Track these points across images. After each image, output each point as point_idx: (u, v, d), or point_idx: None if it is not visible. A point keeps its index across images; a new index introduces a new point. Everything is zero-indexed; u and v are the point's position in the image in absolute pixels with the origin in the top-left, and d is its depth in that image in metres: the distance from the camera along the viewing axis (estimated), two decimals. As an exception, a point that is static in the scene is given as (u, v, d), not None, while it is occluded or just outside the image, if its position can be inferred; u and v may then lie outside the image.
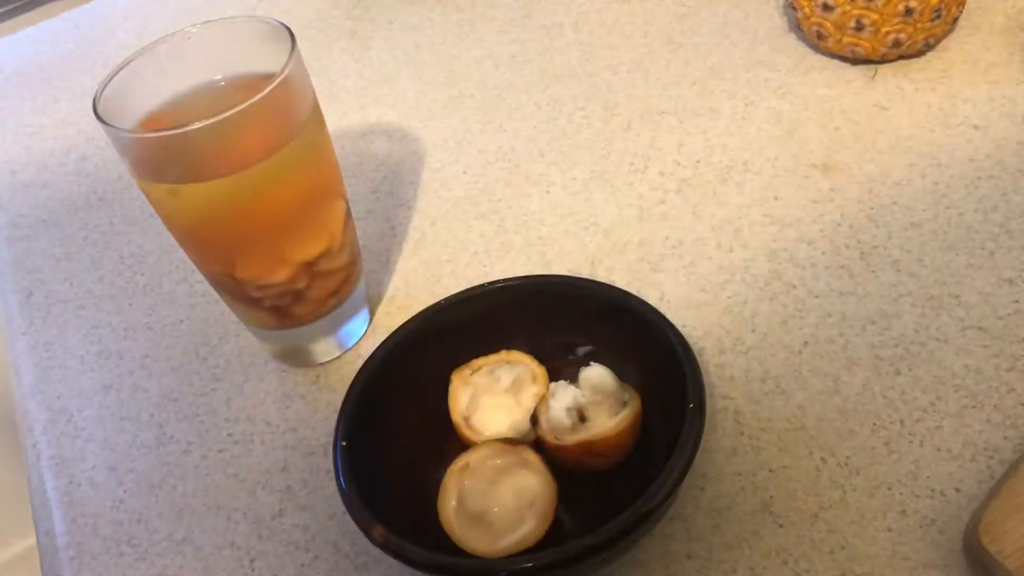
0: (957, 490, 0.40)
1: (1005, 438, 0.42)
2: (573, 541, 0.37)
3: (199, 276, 0.62)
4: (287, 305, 0.50)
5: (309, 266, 0.48)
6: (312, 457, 0.49)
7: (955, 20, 0.62)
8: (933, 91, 0.61)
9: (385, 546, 0.39)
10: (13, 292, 0.65)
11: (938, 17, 0.60)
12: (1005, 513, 0.37)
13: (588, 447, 0.42)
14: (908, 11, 0.59)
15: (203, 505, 0.48)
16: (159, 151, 0.44)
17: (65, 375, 0.58)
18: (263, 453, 0.50)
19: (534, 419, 0.44)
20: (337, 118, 0.73)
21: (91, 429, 0.54)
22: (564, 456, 0.43)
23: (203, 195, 0.45)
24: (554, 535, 0.41)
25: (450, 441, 0.46)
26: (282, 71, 0.44)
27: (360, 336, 0.55)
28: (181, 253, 0.65)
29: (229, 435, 0.52)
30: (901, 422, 0.43)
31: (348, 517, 0.41)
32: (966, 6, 0.63)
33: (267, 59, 0.46)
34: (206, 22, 0.49)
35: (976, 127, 0.57)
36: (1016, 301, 0.47)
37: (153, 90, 0.48)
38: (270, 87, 0.43)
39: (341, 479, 0.42)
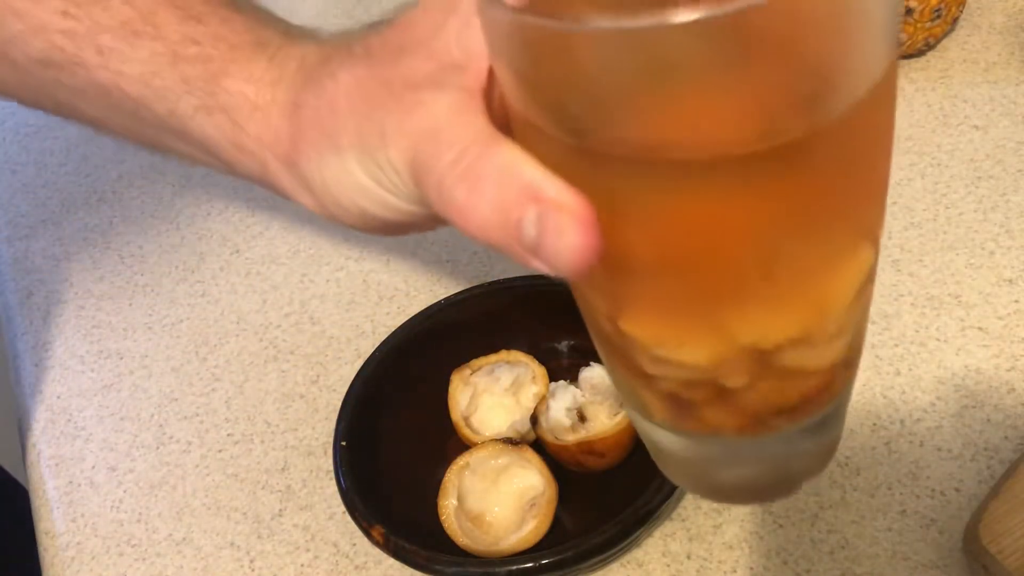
0: (957, 490, 0.40)
1: (1005, 438, 0.42)
2: (573, 541, 0.37)
3: (198, 276, 0.62)
4: (695, 402, 0.27)
5: (762, 355, 0.25)
6: (312, 457, 0.49)
7: (955, 20, 0.62)
8: (933, 91, 0.61)
9: (385, 546, 0.39)
10: (13, 292, 0.65)
11: (938, 17, 0.60)
12: (1005, 513, 0.37)
13: (588, 447, 0.42)
14: (908, 11, 0.59)
15: (203, 505, 0.48)
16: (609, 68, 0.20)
17: (65, 375, 0.58)
18: (263, 453, 0.50)
19: (534, 419, 0.44)
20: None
21: (91, 429, 0.54)
22: (564, 456, 0.43)
23: (636, 183, 0.22)
24: (554, 535, 0.41)
25: (450, 441, 0.46)
26: None
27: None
28: (181, 253, 0.65)
29: (229, 435, 0.52)
30: (901, 422, 0.43)
31: (348, 517, 0.41)
32: (966, 6, 0.63)
33: None
34: None
35: (976, 127, 0.57)
36: (1016, 301, 0.47)
37: None
38: None
39: (341, 479, 0.42)
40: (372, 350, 0.47)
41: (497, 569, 0.38)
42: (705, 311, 0.24)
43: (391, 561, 0.42)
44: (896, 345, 0.47)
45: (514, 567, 0.37)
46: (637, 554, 0.41)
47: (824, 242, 0.23)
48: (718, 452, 0.29)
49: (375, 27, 0.29)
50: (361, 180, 0.28)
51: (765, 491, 0.31)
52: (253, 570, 0.45)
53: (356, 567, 0.44)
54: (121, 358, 0.58)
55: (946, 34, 0.64)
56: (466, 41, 0.25)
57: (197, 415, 0.53)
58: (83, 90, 0.33)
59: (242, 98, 0.30)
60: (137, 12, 0.31)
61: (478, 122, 0.24)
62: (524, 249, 0.23)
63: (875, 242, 0.26)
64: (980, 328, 0.46)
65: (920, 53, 0.63)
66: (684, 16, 0.18)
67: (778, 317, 0.24)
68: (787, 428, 0.27)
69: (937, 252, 0.51)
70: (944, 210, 0.53)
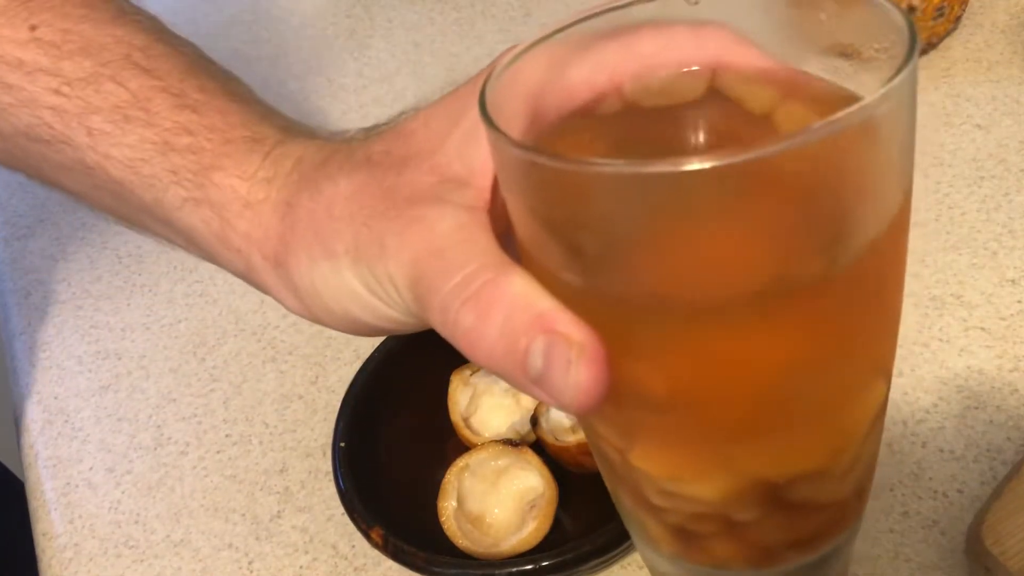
0: (960, 491, 0.40)
1: (1008, 439, 0.42)
2: (573, 543, 0.37)
3: (196, 276, 0.62)
4: (704, 535, 0.26)
5: (775, 489, 0.25)
6: (311, 458, 0.49)
7: (958, 18, 0.62)
8: (936, 90, 0.60)
9: (384, 548, 0.39)
10: (10, 292, 0.65)
11: (941, 15, 0.59)
12: (1008, 514, 0.37)
13: (588, 448, 0.42)
14: (911, 9, 0.59)
15: (201, 506, 0.48)
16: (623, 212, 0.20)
17: (62, 375, 0.58)
18: (261, 454, 0.50)
19: (534, 420, 0.44)
20: (337, 118, 0.72)
21: (88, 430, 0.54)
22: (564, 457, 0.43)
23: (653, 324, 0.22)
24: (554, 536, 0.41)
25: (450, 442, 0.46)
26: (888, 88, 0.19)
27: None
28: (179, 253, 0.65)
29: (227, 436, 0.51)
30: (903, 423, 0.43)
31: (347, 518, 0.41)
32: (969, 4, 0.63)
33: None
34: None
35: (979, 126, 0.57)
36: (1019, 301, 0.47)
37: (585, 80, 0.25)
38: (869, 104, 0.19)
39: (340, 480, 0.42)
40: (371, 350, 0.46)
41: (497, 571, 0.38)
42: (718, 447, 0.23)
43: (390, 563, 0.42)
44: (899, 346, 0.46)
45: (514, 569, 0.37)
46: (637, 556, 0.41)
47: (839, 379, 0.23)
48: None
49: (375, 130, 0.29)
50: (355, 288, 0.27)
51: None
52: (251, 572, 0.45)
53: (355, 569, 0.44)
54: (119, 358, 0.58)
55: (949, 33, 0.63)
56: (469, 156, 0.25)
57: (195, 416, 0.53)
58: (69, 168, 0.32)
59: (232, 194, 0.29)
60: (131, 96, 0.31)
61: (483, 242, 0.24)
62: (529, 380, 0.22)
63: (888, 375, 0.26)
64: (983, 329, 0.46)
65: (923, 52, 0.63)
66: (698, 163, 0.18)
67: (793, 453, 0.24)
68: (797, 561, 0.27)
69: (940, 252, 0.50)
70: (947, 210, 0.53)
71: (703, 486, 0.24)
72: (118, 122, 0.31)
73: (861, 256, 0.21)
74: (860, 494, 0.27)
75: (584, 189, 0.20)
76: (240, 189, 0.29)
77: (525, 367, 0.22)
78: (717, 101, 0.24)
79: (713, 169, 0.18)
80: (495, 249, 0.23)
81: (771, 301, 0.20)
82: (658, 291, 0.21)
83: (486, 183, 0.25)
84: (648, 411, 0.23)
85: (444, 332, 0.24)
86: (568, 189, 0.20)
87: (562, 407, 0.22)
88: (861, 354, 0.24)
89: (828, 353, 0.22)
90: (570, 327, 0.21)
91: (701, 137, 0.24)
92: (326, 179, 0.28)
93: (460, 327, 0.23)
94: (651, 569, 0.31)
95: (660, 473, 0.25)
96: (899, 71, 0.19)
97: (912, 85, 0.20)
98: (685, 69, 0.25)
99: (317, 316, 0.29)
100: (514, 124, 0.22)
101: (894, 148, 0.21)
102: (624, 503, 0.28)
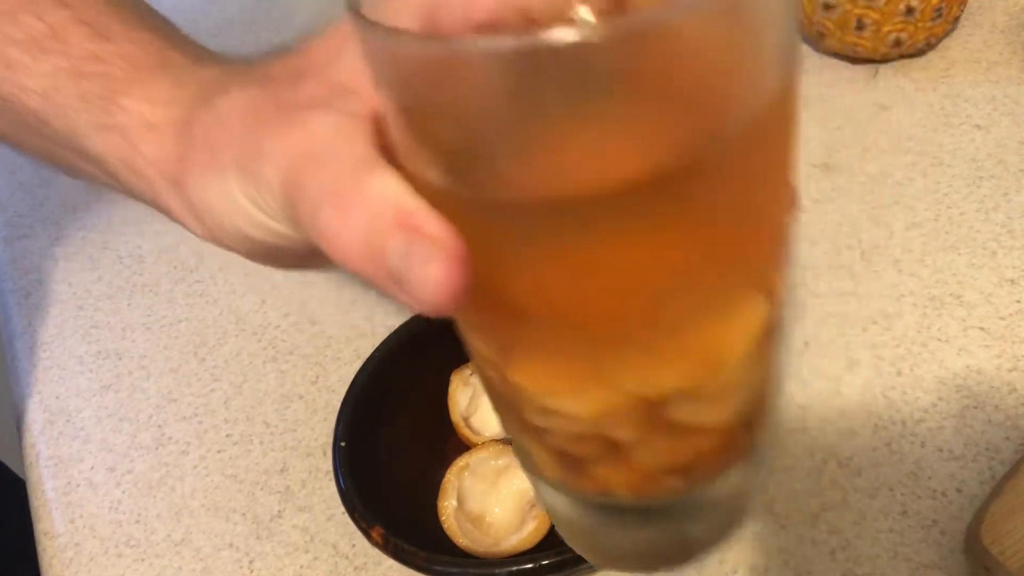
0: (958, 491, 0.40)
1: (1007, 438, 0.42)
2: (573, 542, 0.37)
3: (197, 276, 0.62)
4: (586, 458, 0.26)
5: (651, 407, 0.24)
6: (311, 458, 0.49)
7: (956, 19, 0.62)
8: (934, 90, 0.60)
9: (384, 547, 0.39)
10: (11, 292, 0.65)
11: (939, 16, 0.60)
12: (1007, 514, 0.37)
13: (588, 448, 0.42)
14: (909, 10, 0.59)
15: (202, 506, 0.48)
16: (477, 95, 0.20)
17: (63, 375, 0.58)
18: (262, 454, 0.50)
19: (534, 419, 0.44)
20: (336, 117, 0.72)
21: (89, 429, 0.54)
22: (564, 457, 0.43)
23: (515, 221, 0.21)
24: (554, 536, 0.41)
25: (450, 441, 0.46)
26: None
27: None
28: (180, 252, 0.65)
29: (228, 436, 0.52)
30: (903, 422, 0.43)
31: (347, 518, 0.41)
32: (967, 5, 0.63)
33: None
34: None
35: (978, 126, 0.57)
36: (1018, 301, 0.47)
37: None
38: None
39: (340, 480, 0.42)
40: (372, 350, 0.47)
41: (497, 570, 0.38)
42: (588, 358, 0.23)
43: (391, 562, 0.42)
44: (897, 345, 0.46)
45: (514, 568, 0.37)
46: (637, 555, 0.41)
47: (709, 288, 0.22)
48: (610, 515, 0.27)
49: (280, 53, 0.29)
50: (239, 200, 0.26)
51: (659, 559, 0.29)
52: (252, 571, 0.45)
53: (355, 568, 0.44)
54: (120, 358, 0.58)
55: (947, 33, 0.63)
56: (360, 67, 0.24)
57: (196, 416, 0.53)
58: None
59: (139, 118, 0.29)
60: (47, 27, 0.31)
61: (359, 147, 0.23)
62: (390, 279, 0.21)
63: (772, 296, 0.24)
64: (982, 328, 0.46)
65: (921, 52, 0.63)
66: (557, 37, 0.17)
67: (663, 367, 0.23)
68: (683, 490, 0.26)
69: (939, 252, 0.50)
70: (946, 210, 0.53)
71: (578, 401, 0.24)
72: (34, 52, 0.31)
73: (733, 146, 0.20)
74: (748, 425, 0.26)
75: (443, 73, 0.19)
76: (145, 112, 0.29)
77: (385, 266, 0.21)
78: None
79: (570, 47, 0.17)
80: (370, 153, 0.23)
81: (635, 198, 0.20)
82: (519, 186, 0.20)
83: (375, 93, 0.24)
84: (518, 320, 0.23)
85: (312, 236, 0.23)
86: (428, 75, 0.20)
87: (422, 308, 0.21)
88: (734, 263, 0.23)
89: (696, 256, 0.22)
90: (431, 224, 0.21)
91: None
92: (222, 94, 0.27)
93: (322, 226, 0.22)
94: (541, 502, 0.30)
95: (535, 388, 0.24)
96: None
97: None
98: None
99: (217, 237, 0.28)
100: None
101: (765, 28, 0.20)
102: (510, 429, 0.28)
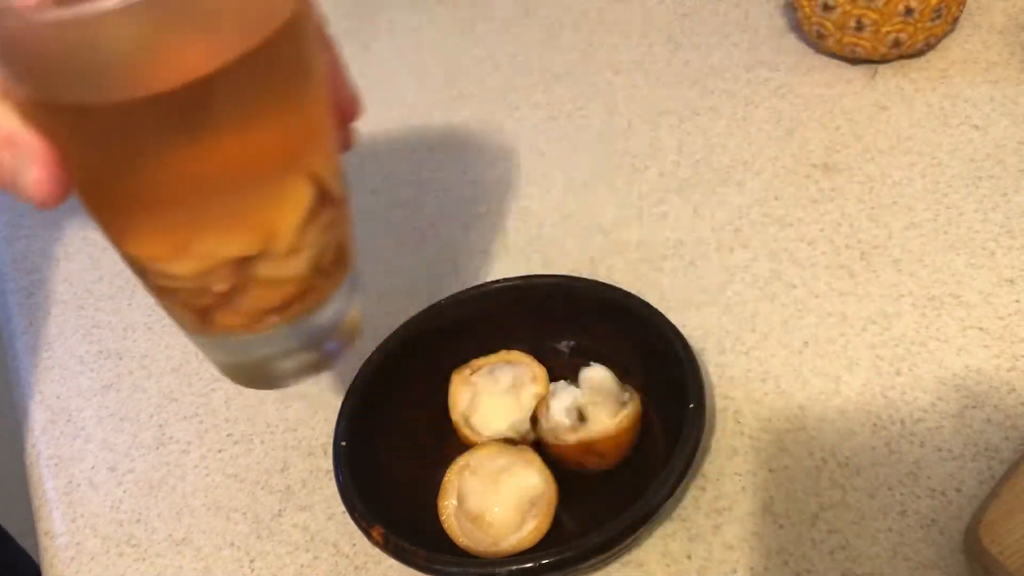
0: (958, 490, 0.40)
1: (1006, 438, 0.42)
2: (573, 541, 0.37)
3: (199, 276, 0.62)
4: (206, 308, 0.34)
5: (238, 265, 0.32)
6: (312, 457, 0.49)
7: (955, 19, 0.62)
8: (933, 91, 0.61)
9: (385, 546, 0.39)
10: (12, 292, 0.65)
11: (938, 17, 0.60)
12: (1006, 513, 0.37)
13: (588, 447, 0.42)
14: (908, 11, 0.59)
15: (203, 505, 0.48)
16: (61, 48, 0.27)
17: (64, 375, 0.58)
18: (263, 453, 0.50)
19: (534, 419, 0.44)
20: (337, 118, 0.72)
21: (90, 429, 0.54)
22: (564, 456, 0.43)
23: (98, 120, 0.28)
24: (554, 535, 0.41)
25: (450, 441, 0.46)
26: None
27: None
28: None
29: (229, 435, 0.52)
30: (902, 422, 0.43)
31: (348, 517, 0.41)
32: (966, 5, 0.63)
33: None
34: None
35: (976, 127, 0.57)
36: (1017, 301, 0.47)
37: None
38: None
39: (341, 479, 0.42)
40: (372, 350, 0.47)
41: (497, 569, 0.38)
42: (180, 231, 0.31)
43: (391, 562, 0.42)
44: (896, 345, 0.47)
45: (514, 567, 0.37)
46: (637, 554, 0.41)
47: (255, 176, 0.30)
48: (233, 345, 0.36)
49: None
50: None
51: (260, 380, 0.38)
52: (253, 570, 0.45)
53: (356, 567, 0.44)
54: (121, 358, 0.58)
55: (946, 34, 0.64)
56: None
57: (197, 415, 0.53)
58: None
59: None
60: None
61: None
62: (8, 186, 0.28)
63: (316, 179, 0.32)
64: (981, 328, 0.46)
65: (920, 53, 0.63)
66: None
67: (232, 236, 0.31)
68: (282, 324, 0.34)
69: (938, 252, 0.51)
70: (944, 210, 0.53)
71: (179, 263, 0.32)
72: None
73: (255, 59, 0.28)
74: (324, 273, 0.35)
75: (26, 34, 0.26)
76: None
77: (4, 178, 0.28)
78: None
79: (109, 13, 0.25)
80: None
81: (167, 98, 0.27)
82: (105, 93, 0.27)
83: None
84: (124, 205, 0.31)
85: None
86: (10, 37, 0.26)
87: (37, 204, 0.29)
88: (273, 154, 0.30)
89: (238, 150, 0.29)
90: (25, 138, 0.28)
91: None
92: None
93: None
94: (204, 355, 0.38)
95: (145, 256, 0.32)
96: None
97: None
98: None
99: None
100: None
101: None
102: (154, 298, 0.35)
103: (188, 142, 0.28)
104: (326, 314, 0.36)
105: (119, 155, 0.29)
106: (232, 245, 0.31)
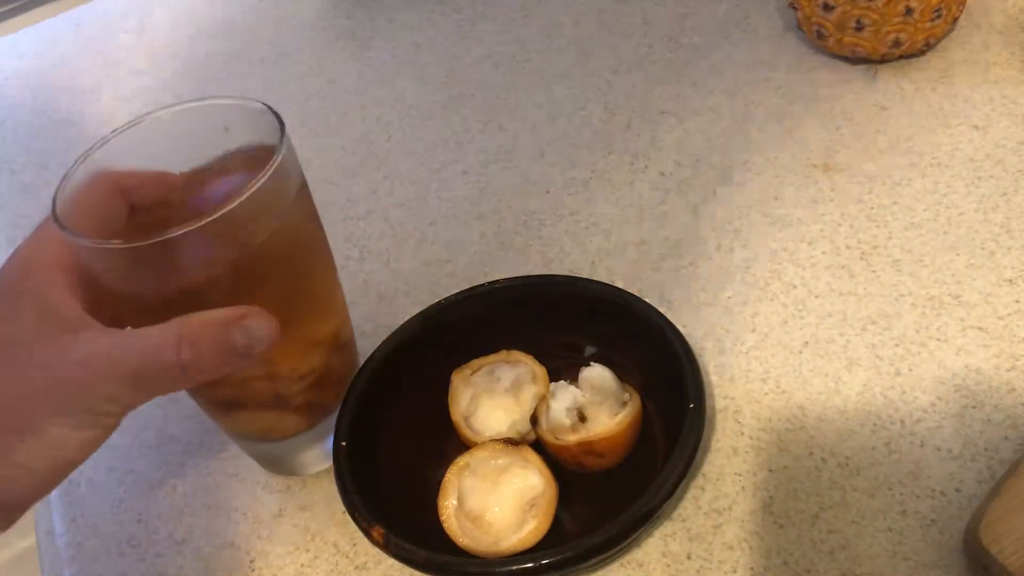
0: (957, 490, 0.40)
1: (1005, 438, 0.42)
2: (573, 541, 0.37)
3: (199, 276, 0.62)
4: (317, 394, 0.45)
5: (333, 341, 0.45)
6: (312, 457, 0.49)
7: (955, 20, 0.62)
8: (933, 91, 0.61)
9: (385, 546, 0.39)
10: (13, 292, 0.65)
11: (938, 17, 0.60)
12: (1005, 513, 0.37)
13: (588, 447, 0.42)
14: (908, 11, 0.59)
15: (203, 505, 0.48)
16: (142, 260, 0.36)
17: (65, 375, 0.58)
18: (263, 453, 0.50)
19: (534, 419, 0.44)
20: (337, 118, 0.73)
21: (91, 429, 0.54)
22: (564, 456, 0.43)
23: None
24: (554, 535, 0.41)
25: (450, 441, 0.46)
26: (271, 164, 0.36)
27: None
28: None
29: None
30: (901, 422, 0.43)
31: (348, 517, 0.41)
32: (966, 6, 0.63)
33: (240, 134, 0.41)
34: (175, 106, 0.42)
35: (976, 127, 0.57)
36: (1016, 301, 0.47)
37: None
38: (265, 175, 0.36)
39: (341, 479, 0.42)
40: (372, 350, 0.47)
41: (497, 569, 0.38)
42: (305, 336, 0.43)
43: (391, 561, 0.42)
44: (896, 345, 0.47)
45: (514, 567, 0.37)
46: (637, 554, 0.41)
47: (295, 327, 0.40)
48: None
49: None
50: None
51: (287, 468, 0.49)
52: (253, 570, 0.45)
53: (356, 567, 0.44)
54: (121, 358, 0.58)
55: (946, 34, 0.64)
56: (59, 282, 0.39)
57: (198, 414, 0.53)
58: None
59: None
60: None
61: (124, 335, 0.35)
62: (237, 357, 0.35)
63: (328, 333, 0.45)
64: (980, 328, 0.46)
65: (920, 53, 0.63)
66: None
67: (300, 349, 0.43)
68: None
69: (937, 252, 0.51)
70: (944, 210, 0.53)
71: (312, 358, 0.44)
72: None
73: (264, 251, 0.38)
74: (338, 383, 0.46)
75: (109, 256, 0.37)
76: None
77: (234, 353, 0.35)
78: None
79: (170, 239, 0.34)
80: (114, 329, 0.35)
81: (221, 284, 0.37)
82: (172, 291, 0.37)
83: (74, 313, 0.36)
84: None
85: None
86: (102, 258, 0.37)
87: (264, 348, 0.35)
88: (301, 312, 0.42)
89: (281, 308, 0.37)
90: (249, 313, 0.35)
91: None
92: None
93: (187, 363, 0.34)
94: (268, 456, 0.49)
95: (292, 366, 0.43)
96: (270, 166, 0.36)
97: (286, 163, 0.38)
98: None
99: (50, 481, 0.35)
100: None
101: (274, 199, 0.37)
102: (255, 419, 0.46)
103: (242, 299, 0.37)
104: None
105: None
106: (331, 322, 0.46)
